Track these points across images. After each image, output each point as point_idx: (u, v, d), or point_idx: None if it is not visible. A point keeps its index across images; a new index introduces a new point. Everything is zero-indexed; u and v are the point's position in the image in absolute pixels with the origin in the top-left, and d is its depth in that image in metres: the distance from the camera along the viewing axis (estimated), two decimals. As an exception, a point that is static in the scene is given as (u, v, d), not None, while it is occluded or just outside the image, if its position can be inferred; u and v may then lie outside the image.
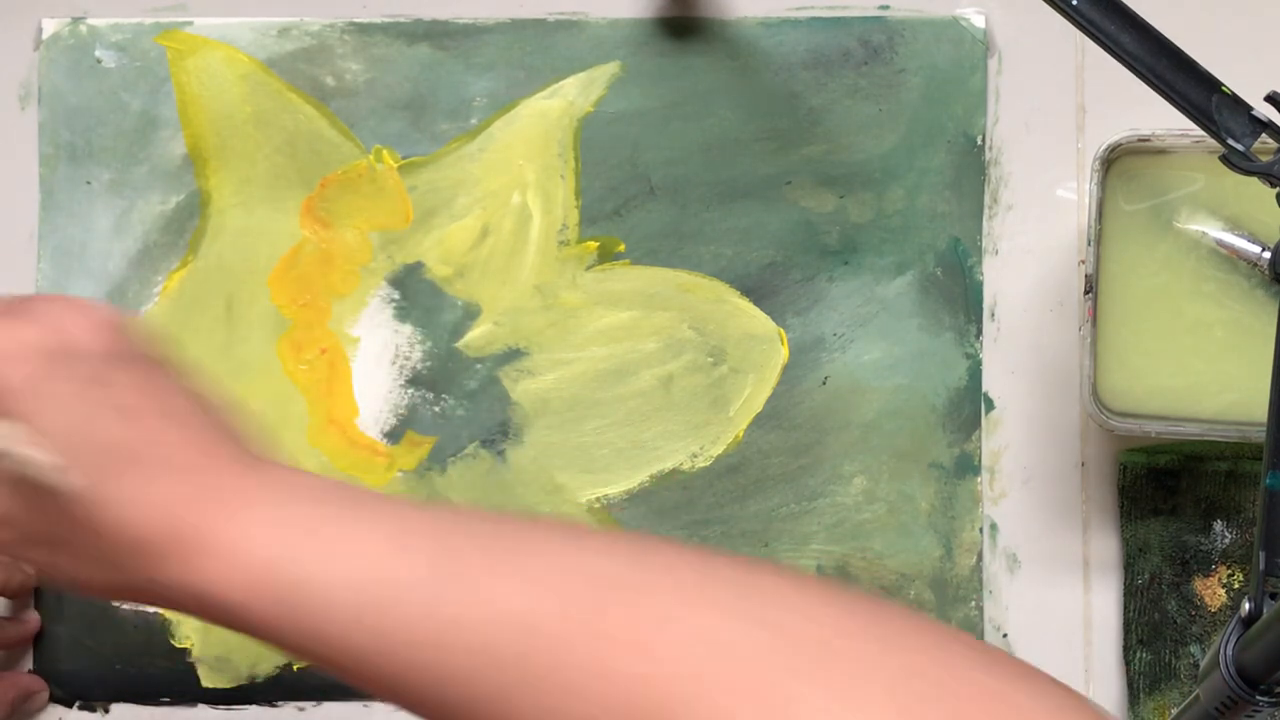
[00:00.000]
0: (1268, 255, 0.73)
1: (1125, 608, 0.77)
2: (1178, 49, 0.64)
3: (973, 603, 0.78)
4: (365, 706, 0.79)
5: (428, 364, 0.79)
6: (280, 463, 0.52)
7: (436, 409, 0.79)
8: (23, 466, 0.51)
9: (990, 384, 0.78)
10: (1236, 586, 0.77)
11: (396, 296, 0.79)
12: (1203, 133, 0.64)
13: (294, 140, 0.79)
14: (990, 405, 0.78)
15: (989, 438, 0.78)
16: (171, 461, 0.51)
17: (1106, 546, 0.78)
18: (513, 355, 0.79)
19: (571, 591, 0.45)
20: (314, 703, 0.79)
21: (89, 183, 0.80)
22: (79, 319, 0.54)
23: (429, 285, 0.79)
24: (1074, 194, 0.79)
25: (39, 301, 0.55)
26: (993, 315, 0.79)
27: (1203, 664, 0.65)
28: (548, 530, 0.50)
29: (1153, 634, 0.77)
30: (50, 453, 0.50)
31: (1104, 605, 0.78)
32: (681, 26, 0.80)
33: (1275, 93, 0.63)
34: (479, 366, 0.79)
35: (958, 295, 0.78)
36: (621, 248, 0.79)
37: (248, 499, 0.50)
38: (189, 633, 0.78)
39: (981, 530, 0.78)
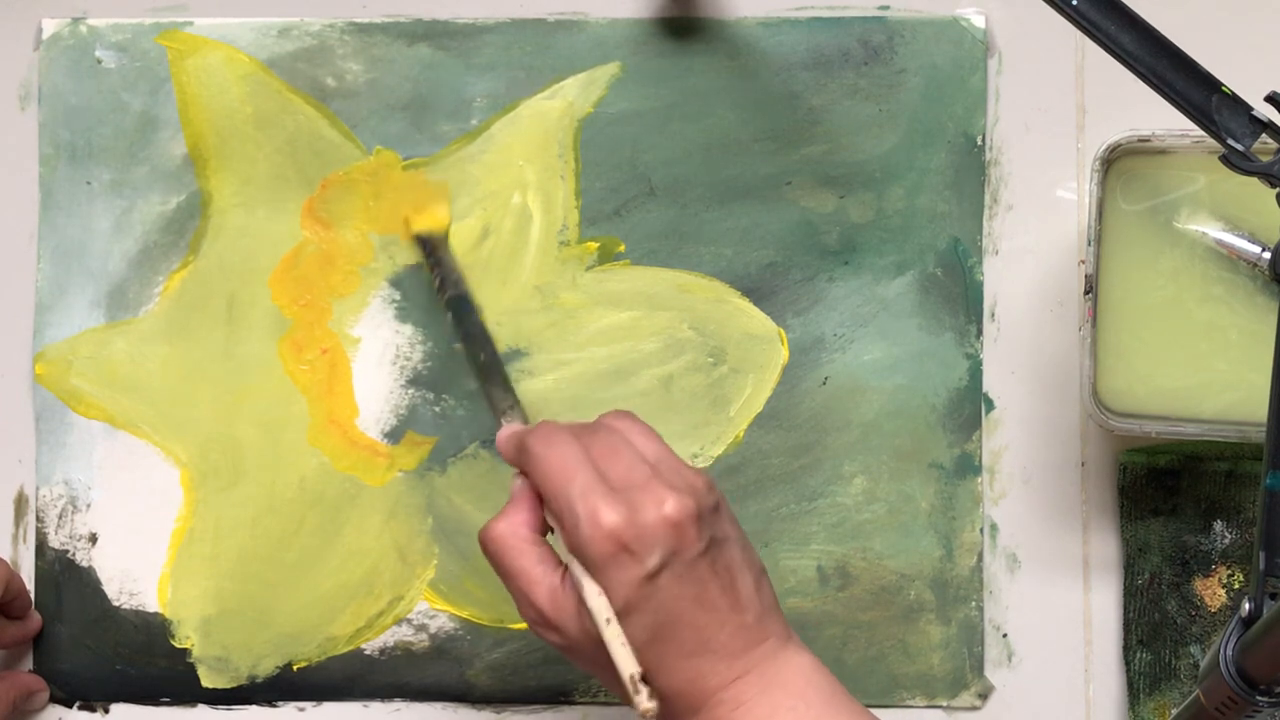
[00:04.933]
0: (1268, 255, 0.73)
1: (1125, 608, 0.77)
2: (1178, 49, 0.64)
3: (973, 603, 0.78)
4: (365, 707, 0.79)
5: (428, 364, 0.79)
6: (794, 639, 0.64)
7: (437, 409, 0.79)
8: (608, 647, 0.60)
9: (990, 384, 0.78)
10: (1236, 586, 0.77)
11: (397, 297, 0.79)
12: (1203, 133, 0.64)
13: (294, 140, 0.79)
14: (990, 405, 0.78)
15: (989, 438, 0.78)
16: (727, 645, 0.61)
17: (1106, 546, 0.78)
18: (513, 355, 0.79)
19: None
20: (314, 703, 0.79)
21: (89, 183, 0.80)
22: (687, 508, 0.61)
23: (430, 286, 0.79)
24: (1074, 194, 0.79)
25: (656, 487, 0.61)
26: (993, 315, 0.79)
27: (1203, 664, 0.65)
28: None
29: (1153, 634, 0.77)
30: (633, 661, 0.60)
31: (1104, 605, 0.78)
32: (681, 26, 0.80)
33: (1275, 93, 0.63)
34: (479, 366, 0.79)
35: (958, 295, 0.78)
36: (621, 248, 0.79)
37: (766, 684, 0.62)
38: (189, 633, 0.78)
39: (981, 530, 0.78)
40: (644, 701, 0.60)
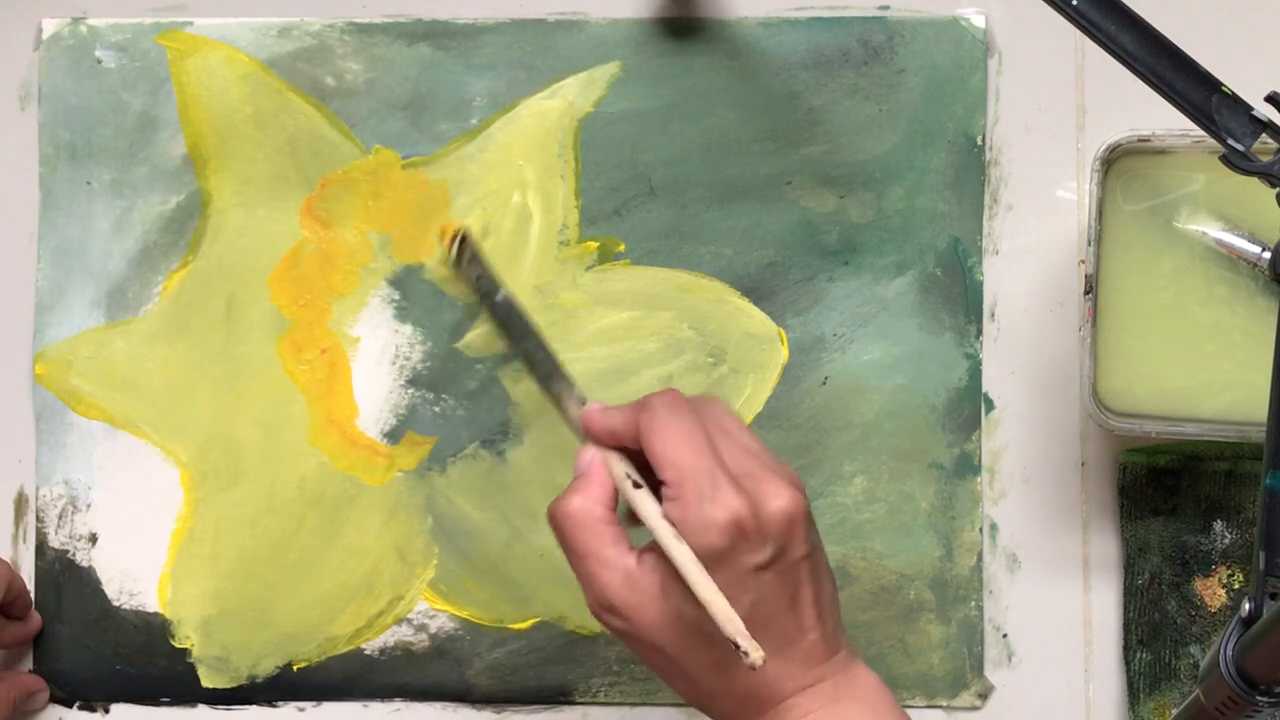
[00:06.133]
0: (1268, 255, 0.73)
1: (1125, 608, 0.77)
2: (1178, 49, 0.64)
3: (973, 603, 0.78)
4: (365, 707, 0.79)
5: (428, 364, 0.79)
6: (859, 655, 0.63)
7: (436, 409, 0.79)
8: (718, 627, 0.58)
9: (990, 384, 0.78)
10: (1236, 586, 0.77)
11: (397, 297, 0.79)
12: (1203, 133, 0.64)
13: (294, 140, 0.79)
14: (990, 405, 0.78)
15: (989, 438, 0.78)
16: (808, 652, 0.61)
17: (1106, 546, 0.78)
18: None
19: None
20: (314, 703, 0.79)
21: (89, 183, 0.80)
22: (801, 505, 0.61)
23: (429, 285, 0.79)
24: (1074, 194, 0.79)
25: (772, 479, 0.61)
26: (993, 315, 0.79)
27: (1203, 664, 0.65)
28: None
29: (1153, 634, 0.77)
30: (749, 637, 0.58)
31: (1104, 605, 0.78)
32: (681, 26, 0.80)
33: (1275, 93, 0.63)
34: (479, 367, 0.79)
35: (958, 295, 0.78)
36: (621, 248, 0.79)
37: (838, 694, 0.61)
38: (189, 633, 0.78)
39: (981, 530, 0.78)
40: (755, 649, 0.57)
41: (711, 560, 0.59)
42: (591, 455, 0.64)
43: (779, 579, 0.60)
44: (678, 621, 0.60)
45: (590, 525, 0.62)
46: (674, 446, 0.61)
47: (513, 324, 0.73)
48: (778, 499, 0.60)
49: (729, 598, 0.59)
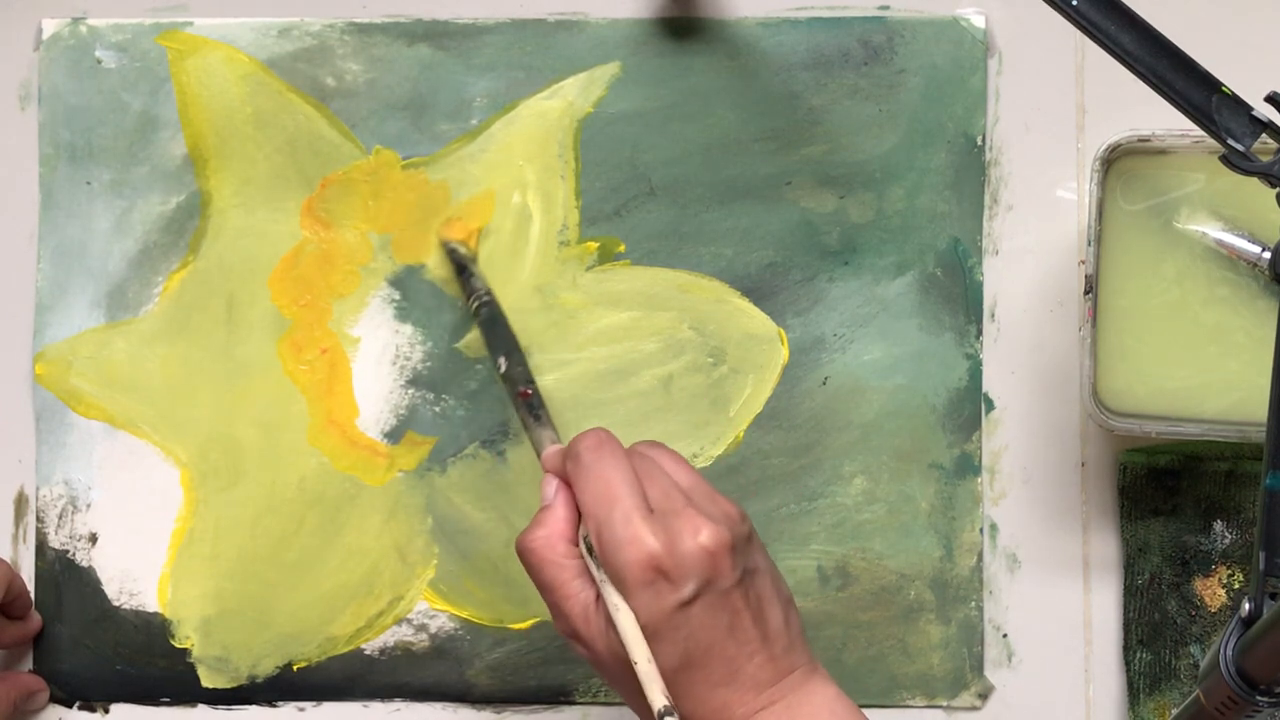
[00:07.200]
0: (1268, 255, 0.73)
1: (1125, 608, 0.77)
2: (1178, 49, 0.64)
3: (973, 603, 0.78)
4: (365, 707, 0.79)
5: (428, 364, 0.79)
6: (819, 669, 0.63)
7: (437, 409, 0.79)
8: (638, 675, 0.60)
9: (990, 384, 0.78)
10: (1236, 586, 0.77)
11: (397, 297, 0.79)
12: (1203, 133, 0.64)
13: (294, 140, 0.79)
14: (990, 405, 0.78)
15: (989, 438, 0.78)
16: (755, 677, 0.61)
17: (1106, 546, 0.78)
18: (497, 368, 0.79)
19: None
20: (314, 703, 0.79)
21: (89, 183, 0.80)
22: (723, 538, 0.61)
23: (429, 285, 0.79)
24: (1074, 194, 0.79)
25: (693, 515, 0.61)
26: (993, 315, 0.79)
27: (1203, 664, 0.65)
28: None
29: (1153, 634, 0.77)
30: (663, 689, 0.60)
31: (1104, 605, 0.78)
32: (681, 26, 0.80)
33: (1275, 93, 0.63)
34: (479, 367, 0.79)
35: (958, 295, 0.78)
36: (621, 248, 0.79)
37: (791, 715, 0.61)
38: (189, 633, 0.78)
39: (981, 530, 0.78)
40: None
41: (634, 601, 0.60)
42: (556, 486, 0.65)
43: (709, 611, 0.61)
44: (621, 662, 0.62)
45: (554, 560, 0.64)
46: (591, 495, 0.62)
47: (496, 334, 0.74)
48: (694, 535, 0.60)
49: (659, 636, 0.60)
